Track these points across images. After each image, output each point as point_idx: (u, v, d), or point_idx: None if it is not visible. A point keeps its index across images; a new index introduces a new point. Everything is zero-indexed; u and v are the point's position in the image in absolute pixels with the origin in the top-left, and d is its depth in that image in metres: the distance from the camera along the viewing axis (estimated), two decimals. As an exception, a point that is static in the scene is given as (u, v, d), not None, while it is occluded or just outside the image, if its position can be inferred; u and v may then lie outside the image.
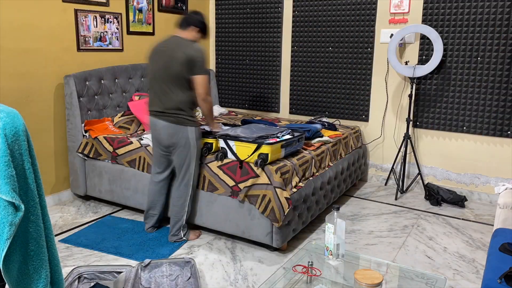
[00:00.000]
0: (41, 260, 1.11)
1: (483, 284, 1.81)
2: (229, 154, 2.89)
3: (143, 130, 3.66)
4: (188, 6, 4.75)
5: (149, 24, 4.30)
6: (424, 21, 3.87)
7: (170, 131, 2.77)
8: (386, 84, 4.15)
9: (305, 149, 3.21)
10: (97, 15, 3.75)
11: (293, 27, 4.53)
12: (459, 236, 3.18)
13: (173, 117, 2.75)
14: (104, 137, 3.41)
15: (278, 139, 2.88)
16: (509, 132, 3.68)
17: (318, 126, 3.62)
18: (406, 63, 3.93)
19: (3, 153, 1.03)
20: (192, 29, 2.82)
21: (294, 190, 2.84)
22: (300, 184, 2.94)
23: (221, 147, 2.93)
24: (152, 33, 4.35)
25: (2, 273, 1.05)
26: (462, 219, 3.49)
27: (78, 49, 3.65)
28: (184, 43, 2.76)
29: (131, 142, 3.31)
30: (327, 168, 3.35)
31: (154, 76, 2.81)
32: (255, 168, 2.76)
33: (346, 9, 4.21)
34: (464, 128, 3.85)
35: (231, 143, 2.87)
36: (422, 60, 3.93)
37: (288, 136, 3.02)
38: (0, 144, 1.03)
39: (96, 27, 3.76)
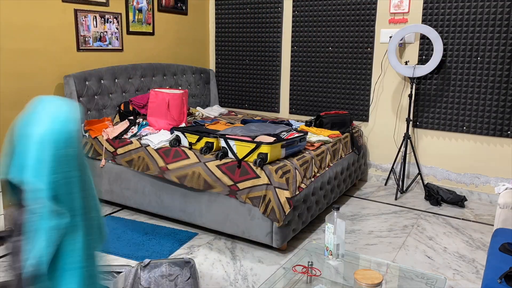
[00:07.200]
0: (83, 273, 1.10)
1: (483, 284, 1.81)
2: (230, 153, 2.89)
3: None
4: (188, 6, 4.75)
5: (149, 24, 4.30)
6: (424, 21, 3.87)
7: None
8: (386, 84, 4.15)
9: (306, 149, 3.21)
10: (97, 15, 3.75)
11: (293, 27, 4.53)
12: (459, 236, 3.17)
13: None
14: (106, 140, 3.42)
15: (277, 138, 2.88)
16: (509, 132, 3.68)
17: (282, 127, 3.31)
18: (406, 63, 3.93)
19: (51, 158, 1.04)
20: None
21: (297, 192, 2.84)
22: (303, 185, 2.94)
23: (222, 147, 2.93)
24: (152, 33, 4.35)
25: (43, 281, 1.06)
26: (462, 219, 3.49)
27: (78, 49, 3.65)
28: None
29: (131, 142, 3.31)
30: (327, 168, 3.35)
31: None
32: (254, 168, 2.77)
33: (346, 9, 4.21)
34: (464, 128, 3.85)
35: (231, 142, 2.87)
36: (422, 60, 3.93)
37: (285, 133, 3.02)
38: (50, 150, 1.05)
39: (96, 27, 3.76)
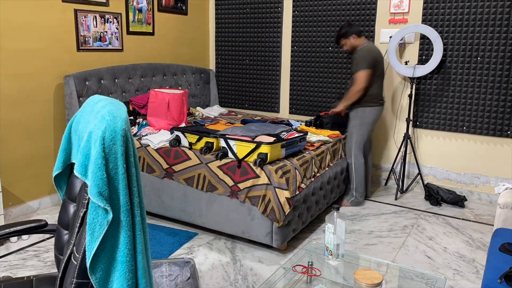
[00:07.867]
0: (126, 268, 1.11)
1: (483, 284, 1.81)
2: (230, 153, 2.89)
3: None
4: (188, 6, 4.75)
5: (149, 24, 4.30)
6: (424, 21, 3.87)
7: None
8: (386, 84, 4.15)
9: (306, 149, 3.21)
10: (97, 15, 3.75)
11: (293, 27, 4.53)
12: (459, 236, 3.17)
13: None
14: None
15: (277, 138, 2.88)
16: (509, 132, 3.68)
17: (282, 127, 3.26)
18: (406, 63, 3.93)
19: (98, 155, 1.06)
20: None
21: (297, 192, 2.84)
22: (303, 185, 2.94)
23: (222, 147, 2.93)
24: (152, 33, 4.35)
25: (88, 273, 1.08)
26: (462, 219, 3.49)
27: (78, 49, 3.65)
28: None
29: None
30: (327, 168, 3.35)
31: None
32: (254, 168, 2.76)
33: (346, 9, 4.21)
34: (464, 128, 3.85)
35: (231, 142, 2.87)
36: (422, 60, 3.93)
37: (285, 133, 3.01)
38: (98, 147, 1.06)
39: (96, 27, 3.76)
